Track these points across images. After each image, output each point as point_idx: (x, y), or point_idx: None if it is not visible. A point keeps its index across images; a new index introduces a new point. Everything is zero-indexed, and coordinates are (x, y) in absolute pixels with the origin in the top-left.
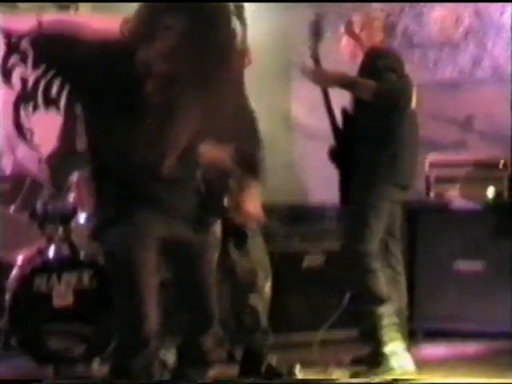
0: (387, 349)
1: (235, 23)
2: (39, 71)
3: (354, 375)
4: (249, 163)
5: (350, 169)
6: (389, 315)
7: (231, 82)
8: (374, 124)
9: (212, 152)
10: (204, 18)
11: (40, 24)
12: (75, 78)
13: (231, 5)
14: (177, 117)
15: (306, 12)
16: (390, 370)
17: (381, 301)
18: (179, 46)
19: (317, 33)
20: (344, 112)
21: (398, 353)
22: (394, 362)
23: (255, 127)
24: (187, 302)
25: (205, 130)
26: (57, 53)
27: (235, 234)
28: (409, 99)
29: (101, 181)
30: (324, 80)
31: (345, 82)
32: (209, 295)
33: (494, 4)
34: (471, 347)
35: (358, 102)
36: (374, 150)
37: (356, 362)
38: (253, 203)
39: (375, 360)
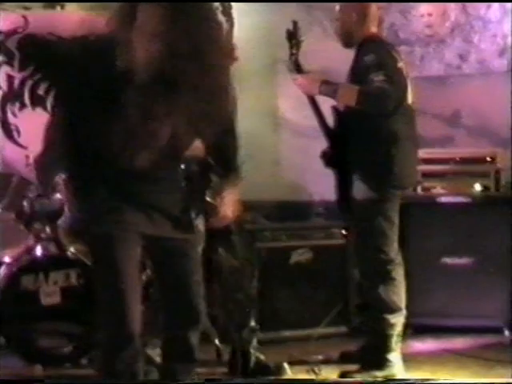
0: (392, 356)
1: (221, 20)
2: (27, 71)
3: (344, 374)
4: (225, 159)
5: (346, 172)
6: (400, 324)
7: (211, 79)
8: (366, 123)
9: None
10: (178, 9)
11: (26, 23)
12: (56, 75)
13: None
14: (154, 112)
15: (292, 7)
16: (391, 374)
17: (396, 310)
18: (156, 40)
19: (295, 40)
20: (335, 111)
21: (399, 359)
22: (396, 368)
23: (233, 124)
24: (173, 298)
25: (184, 126)
26: (40, 53)
27: (219, 230)
28: (398, 99)
29: (80, 178)
30: (307, 89)
31: (327, 90)
32: (195, 291)
33: None
34: (459, 342)
35: None
36: (368, 150)
37: (345, 358)
38: (229, 203)
39: (374, 362)
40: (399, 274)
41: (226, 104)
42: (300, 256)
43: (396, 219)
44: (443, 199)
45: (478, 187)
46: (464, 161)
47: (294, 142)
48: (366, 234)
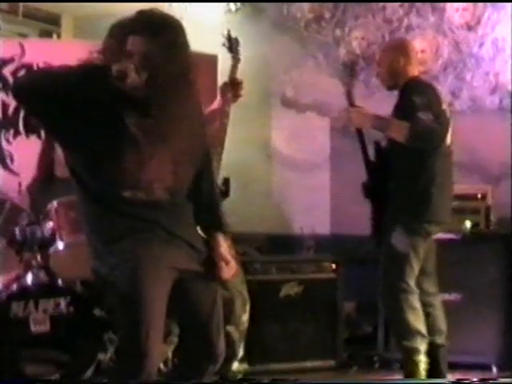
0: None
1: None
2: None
3: None
4: (210, 214)
5: (384, 204)
6: (424, 352)
7: (193, 114)
8: (407, 159)
9: None
10: (162, 44)
11: (22, 51)
12: (56, 109)
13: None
14: (155, 144)
15: (286, 41)
16: None
17: (422, 335)
18: (142, 72)
19: (351, 74)
20: (377, 146)
21: None
22: None
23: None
24: (194, 336)
25: (182, 157)
26: (37, 84)
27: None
28: (443, 139)
29: (95, 211)
30: (359, 122)
31: (379, 124)
32: (216, 329)
33: (473, 36)
34: (448, 378)
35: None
36: (407, 185)
37: None
38: (226, 255)
39: None
40: (418, 302)
41: (203, 141)
42: (290, 289)
43: (422, 253)
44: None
45: (468, 224)
46: (455, 197)
47: (285, 175)
48: (394, 263)
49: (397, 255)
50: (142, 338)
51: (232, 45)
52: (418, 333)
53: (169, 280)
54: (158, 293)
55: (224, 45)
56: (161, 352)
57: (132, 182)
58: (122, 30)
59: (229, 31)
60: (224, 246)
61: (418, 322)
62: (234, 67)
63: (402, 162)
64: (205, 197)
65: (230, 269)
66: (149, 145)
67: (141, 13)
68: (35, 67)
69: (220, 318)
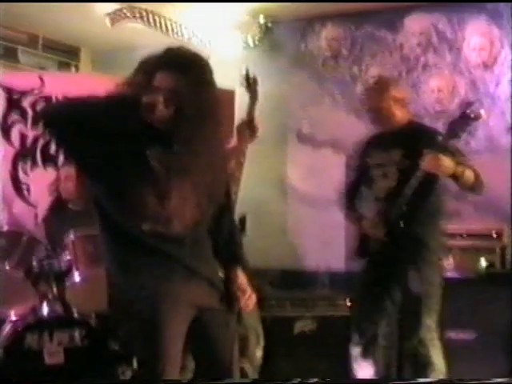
0: None
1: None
2: (39, 130)
3: None
4: (230, 248)
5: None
6: None
7: (216, 151)
8: (429, 198)
9: None
10: (189, 81)
11: (42, 83)
12: (82, 137)
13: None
14: (177, 179)
15: (303, 78)
16: None
17: (438, 373)
18: (169, 107)
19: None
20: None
21: None
22: None
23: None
24: (209, 369)
25: (202, 192)
26: (59, 116)
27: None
28: None
29: (112, 241)
30: (444, 169)
31: (458, 172)
32: (232, 364)
33: (490, 75)
34: None
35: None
36: (428, 224)
37: None
38: (245, 288)
39: None
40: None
41: (224, 177)
42: (304, 326)
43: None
44: (449, 274)
45: (483, 263)
46: (470, 236)
47: (301, 211)
48: (428, 298)
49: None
50: (158, 374)
51: (250, 84)
52: (438, 369)
53: (187, 317)
54: (176, 330)
55: (242, 84)
56: None
57: (152, 216)
58: (150, 66)
59: (247, 70)
60: (243, 279)
61: (438, 357)
62: (252, 106)
63: (425, 202)
64: (225, 232)
65: (250, 301)
66: (170, 179)
67: (169, 50)
68: (54, 100)
69: (235, 354)
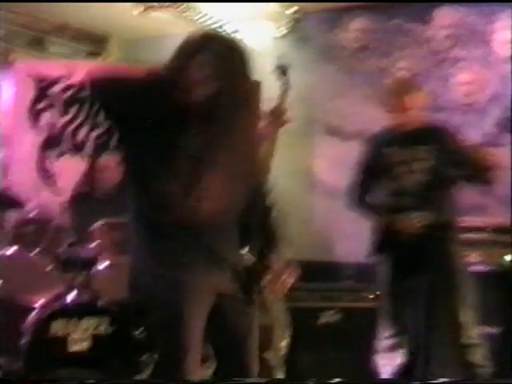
0: None
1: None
2: (67, 117)
3: None
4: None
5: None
6: None
7: (250, 140)
8: (453, 192)
9: None
10: (228, 67)
11: (69, 72)
12: (124, 113)
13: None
14: (209, 164)
15: (332, 69)
16: None
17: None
18: (204, 92)
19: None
20: None
21: None
22: None
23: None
24: (227, 355)
25: (237, 176)
26: (110, 94)
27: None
28: None
29: (147, 230)
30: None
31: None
32: (252, 351)
33: None
34: None
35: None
36: (453, 216)
37: None
38: (282, 273)
39: None
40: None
41: (258, 165)
42: (329, 317)
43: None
44: (475, 268)
45: (508, 257)
46: (496, 230)
47: (327, 203)
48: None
49: (458, 289)
50: (180, 362)
51: (281, 72)
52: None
53: (208, 305)
54: (197, 319)
55: (274, 72)
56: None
57: (180, 204)
58: (188, 51)
59: (280, 58)
60: (279, 263)
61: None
62: (284, 95)
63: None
64: (259, 217)
65: (283, 285)
66: (201, 169)
67: (208, 34)
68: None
69: (255, 341)
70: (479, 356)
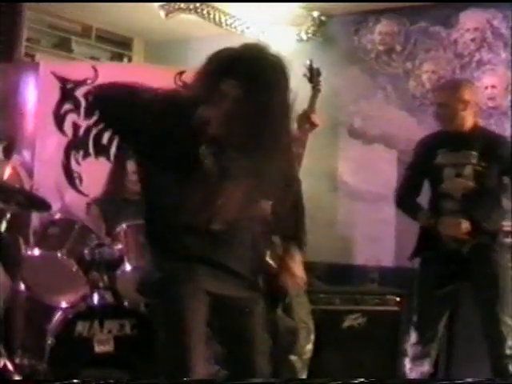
0: None
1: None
2: (92, 120)
3: None
4: (288, 226)
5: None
6: None
7: (282, 147)
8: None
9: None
10: (258, 87)
11: (96, 74)
12: (132, 131)
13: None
14: (228, 179)
15: (356, 72)
16: None
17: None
18: (233, 113)
19: None
20: None
21: None
22: None
23: (297, 192)
24: (235, 354)
25: (253, 193)
26: (113, 106)
27: (277, 291)
28: None
29: (153, 233)
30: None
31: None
32: (258, 350)
33: None
34: None
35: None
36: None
37: None
38: (295, 268)
39: None
40: None
41: (291, 168)
42: (353, 320)
43: None
44: None
45: None
46: None
47: (351, 205)
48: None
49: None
50: (181, 362)
51: (313, 75)
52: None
53: (205, 303)
54: (196, 318)
55: (305, 75)
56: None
57: (195, 212)
58: (218, 68)
59: (311, 61)
60: (294, 259)
61: None
62: (314, 97)
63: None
64: (286, 209)
65: (295, 283)
66: (221, 179)
67: (242, 56)
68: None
69: (264, 340)
70: None
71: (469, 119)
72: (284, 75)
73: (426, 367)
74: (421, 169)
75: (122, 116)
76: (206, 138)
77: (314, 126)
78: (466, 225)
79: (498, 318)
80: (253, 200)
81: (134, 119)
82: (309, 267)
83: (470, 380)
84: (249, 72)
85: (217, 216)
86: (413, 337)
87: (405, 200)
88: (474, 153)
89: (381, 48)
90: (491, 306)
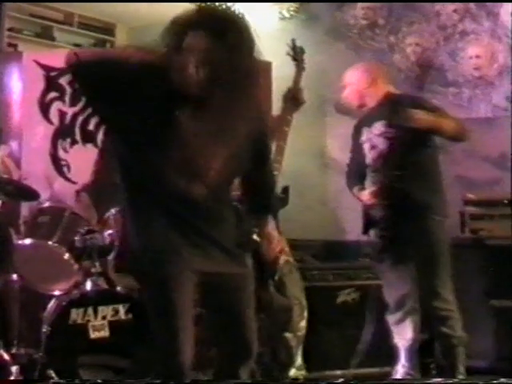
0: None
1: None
2: (78, 107)
3: None
4: (261, 194)
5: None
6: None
7: (254, 111)
8: (421, 158)
9: None
10: (224, 32)
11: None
12: (109, 92)
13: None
14: (205, 140)
15: (341, 48)
16: None
17: (460, 341)
18: (203, 63)
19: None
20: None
21: None
22: None
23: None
24: (226, 333)
25: (230, 157)
26: (97, 65)
27: (270, 268)
28: None
29: (136, 210)
30: (417, 122)
31: (434, 124)
32: (249, 326)
33: None
34: None
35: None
36: (424, 183)
37: None
38: (270, 234)
39: None
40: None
41: (263, 130)
42: (347, 296)
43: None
44: (491, 242)
45: None
46: (511, 203)
47: (341, 182)
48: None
49: (433, 259)
50: (170, 343)
51: (297, 53)
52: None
53: (193, 282)
54: (184, 295)
55: (288, 53)
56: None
57: (174, 175)
58: (181, 26)
59: (293, 40)
60: (268, 226)
61: (456, 327)
62: (298, 75)
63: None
64: (258, 183)
65: (272, 249)
66: (197, 141)
67: (203, 8)
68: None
69: (252, 317)
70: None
71: (378, 93)
72: (244, 20)
73: (408, 334)
74: (354, 152)
75: (99, 83)
76: (181, 100)
77: (299, 103)
78: (377, 193)
79: (432, 283)
80: (233, 162)
81: (109, 83)
82: (303, 245)
83: (467, 380)
84: (212, 20)
85: (197, 178)
86: (388, 307)
87: (347, 181)
88: (382, 122)
89: (364, 23)
90: (427, 268)
